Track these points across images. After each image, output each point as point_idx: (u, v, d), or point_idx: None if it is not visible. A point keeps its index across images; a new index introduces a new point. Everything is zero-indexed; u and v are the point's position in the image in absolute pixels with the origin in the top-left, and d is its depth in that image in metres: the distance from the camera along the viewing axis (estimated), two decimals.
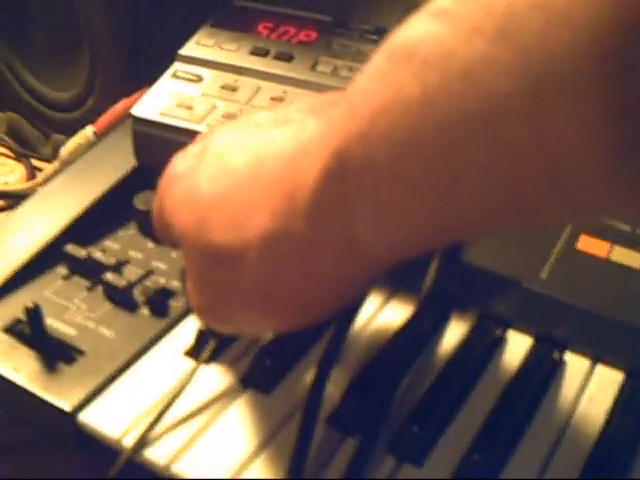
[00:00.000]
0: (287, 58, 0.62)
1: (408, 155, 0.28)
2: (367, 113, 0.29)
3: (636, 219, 0.50)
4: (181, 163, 0.40)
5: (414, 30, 0.28)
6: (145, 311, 0.52)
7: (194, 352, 0.49)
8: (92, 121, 0.71)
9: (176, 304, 0.53)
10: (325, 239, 0.33)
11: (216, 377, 0.48)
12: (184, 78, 0.63)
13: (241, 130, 0.38)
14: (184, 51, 0.65)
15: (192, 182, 0.38)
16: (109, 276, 0.53)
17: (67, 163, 0.69)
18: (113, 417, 0.45)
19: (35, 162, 0.83)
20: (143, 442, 0.44)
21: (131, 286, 0.53)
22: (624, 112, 0.24)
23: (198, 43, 0.65)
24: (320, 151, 0.32)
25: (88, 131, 0.71)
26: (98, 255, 0.55)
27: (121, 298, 0.53)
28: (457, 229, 0.31)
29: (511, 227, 0.33)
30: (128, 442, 0.44)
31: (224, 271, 0.37)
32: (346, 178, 0.30)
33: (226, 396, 0.47)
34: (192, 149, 0.41)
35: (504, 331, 0.51)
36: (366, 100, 0.29)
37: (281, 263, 0.35)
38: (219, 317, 0.40)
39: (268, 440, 0.44)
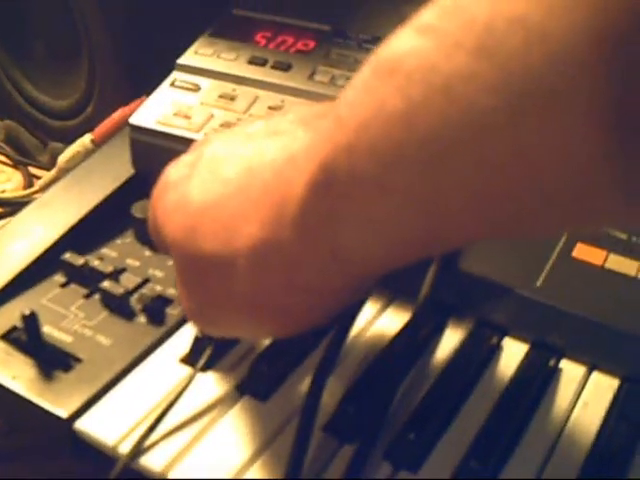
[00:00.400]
0: (285, 67, 0.62)
1: (392, 168, 0.28)
2: (353, 126, 0.29)
3: (634, 228, 0.51)
4: (174, 172, 0.40)
5: (399, 44, 0.28)
6: (142, 319, 0.52)
7: (191, 359, 0.49)
8: (90, 129, 0.72)
9: (173, 312, 0.53)
10: (312, 250, 0.33)
11: (213, 384, 0.48)
12: (182, 87, 0.63)
13: (234, 140, 0.39)
14: (183, 60, 0.65)
15: (184, 190, 0.38)
16: (106, 284, 0.53)
17: (65, 171, 0.70)
18: (110, 424, 0.45)
19: (33, 170, 0.83)
20: (139, 449, 0.44)
21: (128, 294, 0.53)
22: (618, 124, 0.24)
23: (196, 52, 0.65)
24: (308, 162, 0.32)
25: (86, 139, 0.71)
26: (95, 263, 0.55)
27: (118, 306, 0.53)
28: (444, 241, 0.31)
29: (503, 238, 0.33)
30: (124, 449, 0.44)
31: (213, 278, 0.37)
32: (332, 189, 0.31)
33: (223, 403, 0.47)
34: (185, 158, 0.41)
35: (500, 338, 0.51)
36: (352, 113, 0.29)
37: (269, 273, 0.35)
38: (209, 321, 0.40)
39: (265, 447, 0.44)
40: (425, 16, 0.27)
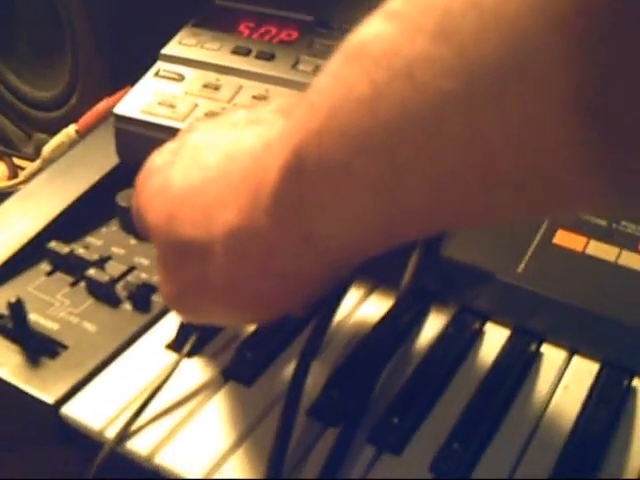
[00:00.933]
0: (268, 57, 0.63)
1: (360, 152, 0.28)
2: (323, 111, 0.29)
3: (616, 214, 0.51)
4: (158, 158, 0.41)
5: (367, 30, 0.28)
6: (127, 306, 0.53)
7: (176, 345, 0.49)
8: (74, 120, 0.72)
9: (158, 299, 0.53)
10: (286, 236, 0.33)
11: (198, 370, 0.48)
12: (166, 77, 0.64)
13: (217, 128, 0.39)
14: (166, 50, 0.65)
15: (166, 176, 0.38)
16: (92, 272, 0.53)
17: (49, 161, 0.70)
18: (96, 410, 0.45)
19: (17, 161, 0.83)
20: (125, 434, 0.44)
21: (114, 281, 0.53)
22: (596, 110, 0.23)
23: (180, 42, 0.66)
24: (281, 148, 0.32)
25: (70, 130, 0.71)
26: (81, 251, 0.55)
27: (104, 293, 0.53)
28: (414, 229, 0.31)
29: (475, 225, 0.33)
30: (111, 434, 0.44)
31: (191, 264, 0.37)
32: (304, 174, 0.31)
33: (208, 388, 0.47)
34: (169, 145, 0.41)
35: (482, 324, 0.52)
36: (323, 98, 0.30)
37: (245, 259, 0.35)
38: (186, 306, 0.41)
39: (249, 431, 0.44)
40: (393, 2, 0.28)
